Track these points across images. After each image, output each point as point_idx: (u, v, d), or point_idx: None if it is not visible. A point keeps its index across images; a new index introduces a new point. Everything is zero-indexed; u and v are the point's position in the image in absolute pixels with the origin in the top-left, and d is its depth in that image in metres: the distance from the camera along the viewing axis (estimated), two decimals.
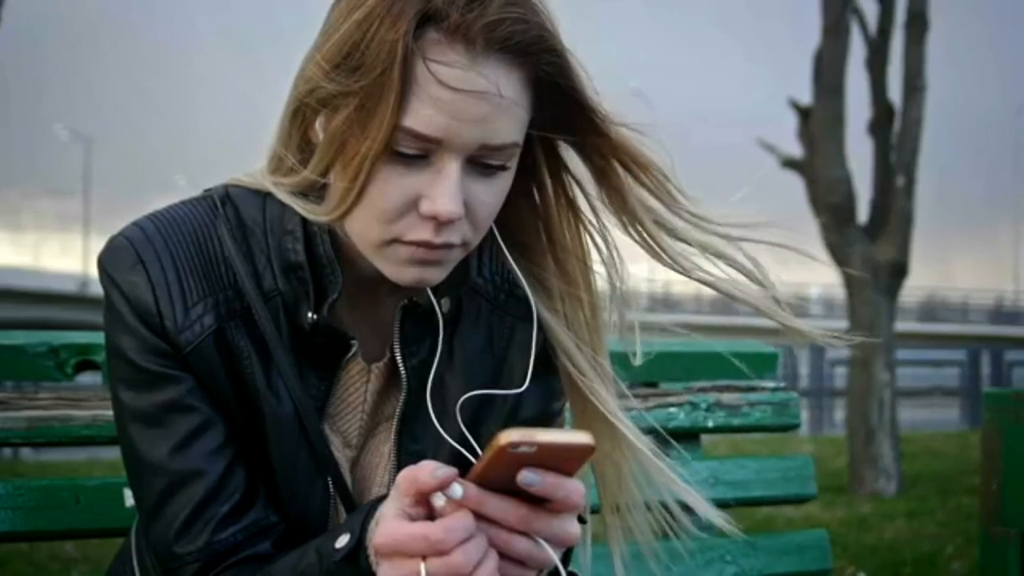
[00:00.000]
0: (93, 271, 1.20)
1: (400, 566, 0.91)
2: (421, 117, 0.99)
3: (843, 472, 8.09)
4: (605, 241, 1.18)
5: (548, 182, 1.16)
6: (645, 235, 1.14)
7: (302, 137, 1.09)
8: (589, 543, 1.26)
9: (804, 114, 8.35)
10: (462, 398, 1.15)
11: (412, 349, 1.15)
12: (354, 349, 1.13)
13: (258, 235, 1.12)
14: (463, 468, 0.92)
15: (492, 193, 1.06)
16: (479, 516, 0.91)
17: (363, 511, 0.98)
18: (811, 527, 2.46)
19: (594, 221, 1.17)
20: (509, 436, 0.85)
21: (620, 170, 1.12)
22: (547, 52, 1.03)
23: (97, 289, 1.25)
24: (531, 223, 1.18)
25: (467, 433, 1.13)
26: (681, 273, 1.16)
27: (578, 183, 1.16)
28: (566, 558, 1.16)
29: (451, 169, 1.02)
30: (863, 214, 8.34)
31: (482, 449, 0.94)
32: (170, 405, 1.08)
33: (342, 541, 0.98)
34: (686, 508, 1.26)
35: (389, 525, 0.92)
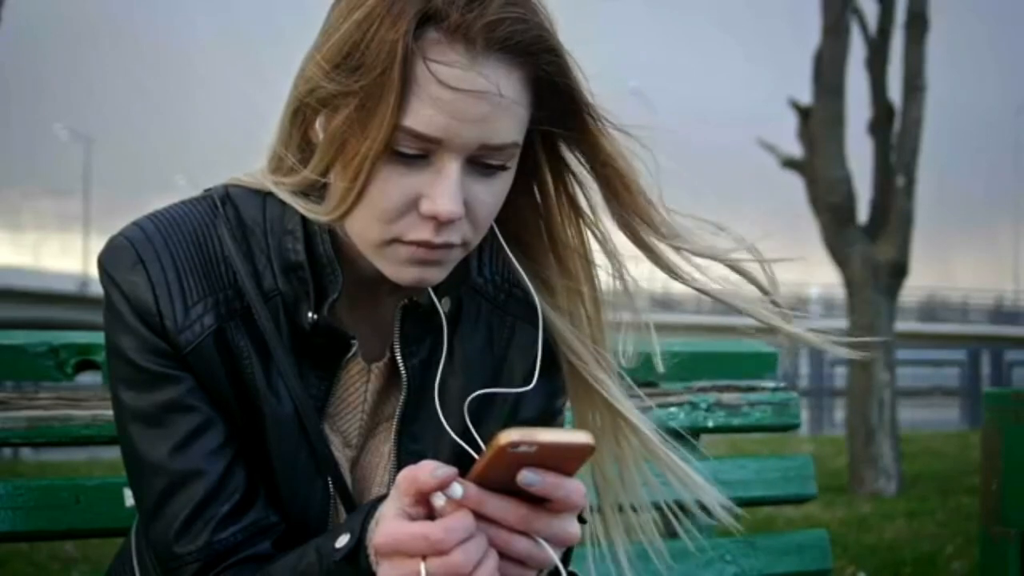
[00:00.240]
0: (93, 271, 1.20)
1: (400, 566, 0.91)
2: (421, 117, 0.99)
3: (843, 472, 8.09)
4: (605, 239, 1.18)
5: (549, 181, 1.16)
6: (636, 239, 1.15)
7: (302, 137, 1.09)
8: (589, 543, 1.26)
9: (804, 114, 8.36)
10: (470, 396, 1.15)
11: (412, 349, 1.15)
12: (354, 349, 1.13)
13: (258, 235, 1.12)
14: (463, 468, 0.92)
15: (492, 193, 1.06)
16: (479, 516, 0.91)
17: (363, 511, 0.98)
18: (811, 527, 2.46)
19: (594, 220, 1.17)
20: (509, 436, 0.86)
21: (610, 174, 1.13)
22: (547, 52, 1.03)
23: (97, 289, 1.25)
24: (532, 222, 1.18)
25: (474, 431, 1.13)
26: (678, 279, 1.16)
27: (579, 182, 1.16)
28: (566, 558, 1.16)
29: (451, 169, 1.02)
30: (863, 214, 8.34)
31: (484, 448, 0.94)
32: (170, 405, 1.08)
33: (342, 541, 0.98)
34: (684, 509, 1.27)
35: (389, 525, 0.92)
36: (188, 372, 1.09)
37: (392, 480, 1.14)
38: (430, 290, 1.13)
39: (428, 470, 0.90)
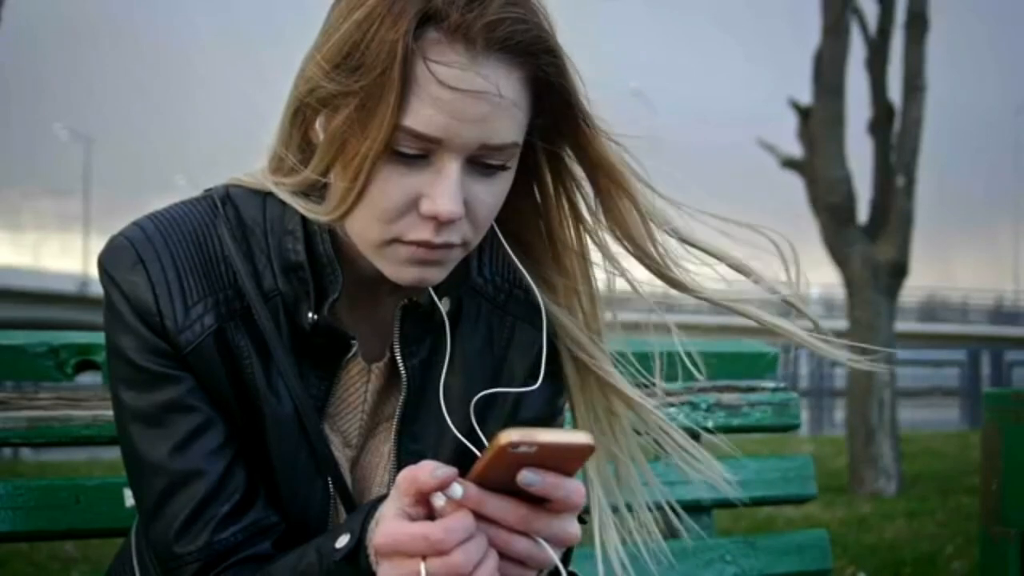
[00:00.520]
0: (93, 271, 1.20)
1: (400, 566, 0.91)
2: (421, 117, 0.99)
3: (843, 472, 8.09)
4: (603, 241, 1.18)
5: (549, 182, 1.16)
6: (629, 245, 1.16)
7: (303, 137, 1.09)
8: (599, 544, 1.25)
9: (804, 114, 8.36)
10: (476, 396, 1.15)
11: (412, 349, 1.15)
12: (354, 349, 1.13)
13: (258, 235, 1.12)
14: (463, 468, 0.92)
15: (492, 193, 1.06)
16: (479, 516, 0.91)
17: (363, 511, 0.98)
18: (811, 527, 2.46)
19: (593, 222, 1.17)
20: (509, 436, 0.85)
21: (602, 178, 1.13)
22: (546, 52, 1.03)
23: (97, 289, 1.25)
24: (532, 222, 1.18)
25: (479, 431, 1.13)
26: (671, 284, 1.17)
27: (578, 183, 1.16)
28: (566, 558, 1.16)
29: (451, 169, 1.02)
30: (863, 214, 8.34)
31: (483, 449, 0.94)
32: (170, 405, 1.08)
33: (342, 541, 0.98)
34: (683, 509, 1.27)
35: (389, 525, 0.92)
36: (188, 372, 1.09)
37: (392, 480, 1.14)
38: (430, 290, 1.13)
39: (428, 470, 0.90)
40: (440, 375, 1.15)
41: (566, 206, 1.17)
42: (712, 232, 1.17)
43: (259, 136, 1.15)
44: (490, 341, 1.20)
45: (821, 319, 1.23)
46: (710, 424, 1.77)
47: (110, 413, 1.17)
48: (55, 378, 1.46)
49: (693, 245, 1.17)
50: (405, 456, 1.15)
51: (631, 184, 1.13)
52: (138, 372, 1.08)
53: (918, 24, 8.30)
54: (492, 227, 1.13)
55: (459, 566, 0.89)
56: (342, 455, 1.15)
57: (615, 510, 1.24)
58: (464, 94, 0.99)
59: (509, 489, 0.90)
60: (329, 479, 1.13)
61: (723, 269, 1.18)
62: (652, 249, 1.15)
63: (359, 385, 1.16)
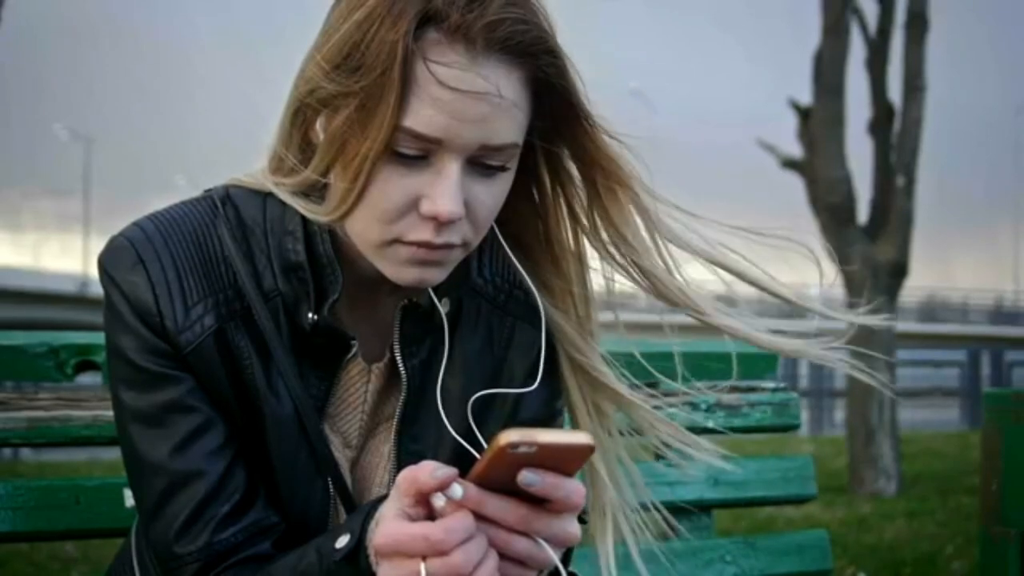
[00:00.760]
0: (93, 271, 1.20)
1: (400, 566, 0.91)
2: (421, 117, 0.99)
3: (843, 472, 8.10)
4: (601, 242, 1.18)
5: (547, 183, 1.16)
6: (616, 253, 1.16)
7: (303, 137, 1.09)
8: (611, 545, 1.25)
9: (804, 114, 8.36)
10: (474, 397, 1.15)
11: (412, 349, 1.15)
12: (354, 349, 1.13)
13: (258, 235, 1.12)
14: (463, 468, 0.92)
15: (492, 194, 1.06)
16: (479, 516, 0.91)
17: (363, 511, 0.98)
18: (811, 527, 2.46)
19: (591, 223, 1.17)
20: (509, 436, 0.85)
21: (600, 180, 1.13)
22: (546, 53, 1.03)
23: (97, 289, 1.25)
24: (531, 223, 1.18)
25: (477, 431, 1.13)
26: (649, 292, 1.17)
27: (576, 185, 1.16)
28: (566, 558, 1.16)
29: (451, 169, 1.02)
30: (863, 214, 8.34)
31: (483, 449, 0.94)
32: (170, 405, 1.08)
33: (342, 541, 0.98)
34: (682, 510, 1.27)
35: (389, 525, 0.92)
36: (188, 372, 1.09)
37: (392, 480, 1.14)
38: (430, 290, 1.13)
39: (428, 471, 0.90)
40: (440, 376, 1.15)
41: (564, 207, 1.17)
42: (714, 235, 1.17)
43: (259, 136, 1.15)
44: (490, 341, 1.20)
45: (821, 320, 1.23)
46: (710, 424, 1.77)
47: (110, 413, 1.17)
48: (55, 378, 1.46)
49: (694, 253, 1.16)
50: (405, 456, 1.15)
51: (631, 184, 1.13)
52: (138, 372, 1.08)
53: (918, 24, 8.30)
54: (492, 228, 1.13)
55: (459, 566, 0.89)
56: (342, 455, 1.15)
57: (605, 512, 1.24)
58: (464, 94, 0.99)
59: (509, 489, 0.90)
60: (329, 479, 1.13)
61: (725, 274, 1.18)
62: (651, 247, 1.15)
63: (359, 385, 1.16)
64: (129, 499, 1.38)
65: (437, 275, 1.08)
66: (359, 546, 0.96)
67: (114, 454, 1.19)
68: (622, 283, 1.19)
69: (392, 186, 1.02)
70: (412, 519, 0.92)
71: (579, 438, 0.88)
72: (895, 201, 8.15)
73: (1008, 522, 1.85)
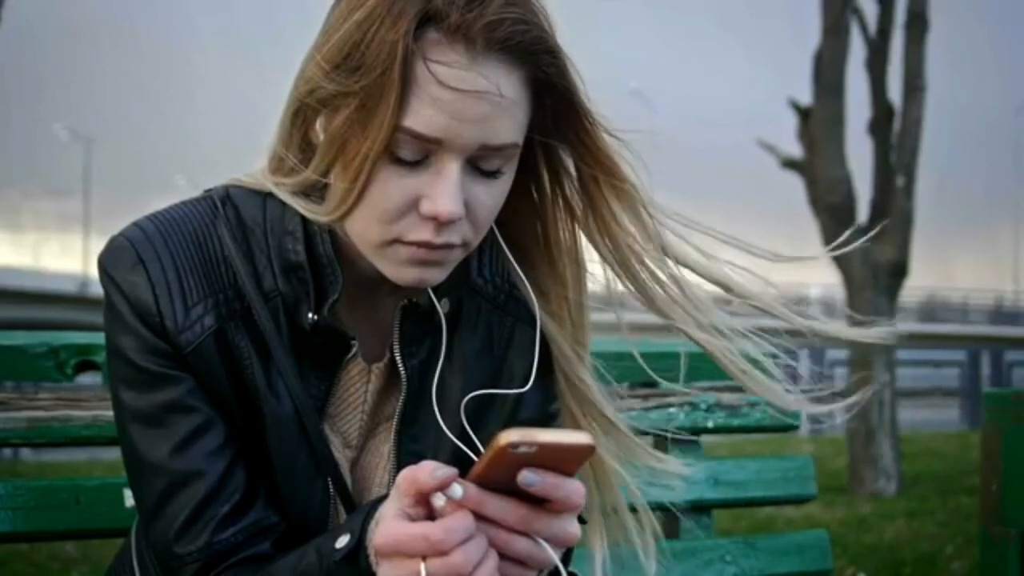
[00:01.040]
0: (93, 271, 1.20)
1: (400, 566, 0.91)
2: (421, 117, 0.99)
3: (843, 472, 8.09)
4: (601, 243, 1.18)
5: (546, 183, 1.16)
6: (613, 255, 1.15)
7: (303, 137, 1.09)
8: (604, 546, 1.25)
9: (804, 114, 8.35)
10: (467, 397, 1.15)
11: (412, 349, 1.15)
12: (354, 349, 1.13)
13: (258, 235, 1.12)
14: (463, 468, 0.92)
15: (492, 194, 1.06)
16: (479, 516, 0.91)
17: (363, 511, 0.98)
18: (811, 527, 2.46)
19: (590, 223, 1.17)
20: (509, 436, 0.85)
21: (602, 178, 1.13)
22: (546, 53, 1.03)
23: (97, 289, 1.25)
24: (529, 224, 1.18)
25: (471, 432, 1.13)
26: (639, 298, 1.17)
27: (575, 185, 1.16)
28: (566, 558, 1.16)
29: (451, 169, 1.02)
30: (863, 214, 8.33)
31: (483, 449, 0.94)
32: (170, 405, 1.08)
33: (342, 541, 0.98)
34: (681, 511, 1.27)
35: (389, 525, 0.92)
36: (188, 372, 1.09)
37: (392, 480, 1.14)
38: (429, 291, 1.13)
39: (428, 470, 0.90)
40: (440, 375, 1.15)
41: (562, 207, 1.17)
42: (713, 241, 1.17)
43: (259, 136, 1.15)
44: (490, 342, 1.20)
45: (821, 320, 1.23)
46: (710, 424, 1.77)
47: (110, 413, 1.17)
48: (55, 378, 1.46)
49: (687, 266, 1.16)
50: (405, 456, 1.15)
51: (630, 182, 1.12)
52: (138, 372, 1.08)
53: (918, 24, 8.30)
54: (492, 228, 1.13)
55: (459, 566, 0.89)
56: (342, 455, 1.15)
57: (615, 511, 1.24)
58: (464, 94, 0.99)
59: (509, 489, 0.90)
60: (329, 479, 1.13)
61: (721, 277, 1.18)
62: (648, 251, 1.15)
63: (359, 385, 1.16)
64: (129, 499, 1.38)
65: (437, 275, 1.08)
66: (359, 546, 0.96)
67: (114, 454, 1.19)
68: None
69: (392, 186, 1.02)
70: (412, 519, 0.92)
71: (579, 438, 0.88)
72: (895, 201, 8.15)
73: (1008, 522, 1.85)
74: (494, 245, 1.18)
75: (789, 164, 8.57)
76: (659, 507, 1.35)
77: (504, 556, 0.92)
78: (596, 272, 1.20)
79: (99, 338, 1.37)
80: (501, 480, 0.89)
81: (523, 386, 1.18)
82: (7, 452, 8.90)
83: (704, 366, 1.24)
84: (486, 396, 1.17)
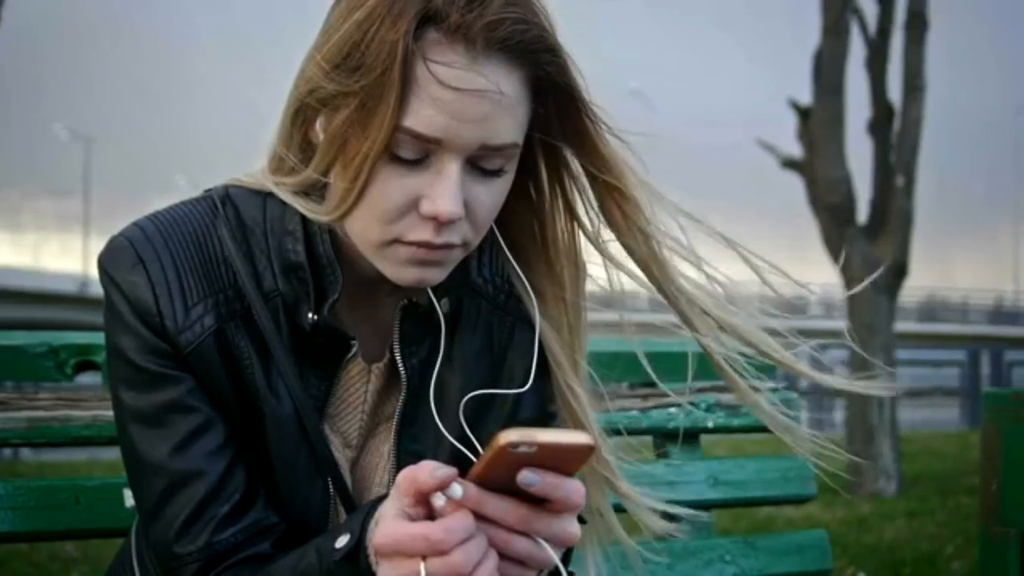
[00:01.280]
0: (93, 271, 1.20)
1: (400, 566, 0.91)
2: (421, 117, 0.99)
3: (843, 472, 8.09)
4: (602, 243, 1.18)
5: (545, 183, 1.16)
6: (633, 246, 1.15)
7: (303, 137, 1.09)
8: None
9: (804, 114, 8.36)
10: (466, 397, 1.15)
11: (412, 349, 1.15)
12: (354, 349, 1.13)
13: (258, 235, 1.12)
14: (463, 468, 0.92)
15: (492, 194, 1.06)
16: (479, 516, 0.91)
17: (363, 511, 0.98)
18: (811, 527, 2.46)
19: (591, 223, 1.17)
20: (509, 436, 0.85)
21: (606, 176, 1.13)
22: (547, 52, 1.03)
23: (97, 289, 1.25)
24: (527, 225, 1.18)
25: (469, 432, 1.13)
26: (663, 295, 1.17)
27: (577, 185, 1.16)
28: (566, 558, 1.16)
29: (451, 169, 1.02)
30: (863, 214, 8.34)
31: (482, 449, 0.94)
32: (170, 405, 1.08)
33: (342, 541, 0.98)
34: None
35: (389, 525, 0.92)
36: (188, 372, 1.09)
37: (392, 480, 1.14)
38: (429, 290, 1.13)
39: (428, 470, 0.90)
40: (440, 375, 1.15)
41: (561, 208, 1.17)
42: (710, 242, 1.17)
43: (259, 136, 1.15)
44: (490, 342, 1.20)
45: (820, 319, 1.23)
46: (710, 424, 1.77)
47: (110, 413, 1.17)
48: (55, 378, 1.46)
49: (697, 260, 1.16)
50: (404, 456, 1.15)
51: (635, 181, 1.12)
52: (138, 372, 1.08)
53: (918, 24, 8.31)
54: (492, 228, 1.13)
55: (459, 566, 0.89)
56: (342, 455, 1.15)
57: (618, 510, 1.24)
58: (464, 94, 0.99)
59: (509, 489, 0.90)
60: (329, 479, 1.13)
61: (729, 272, 1.18)
62: (655, 249, 1.15)
63: (359, 385, 1.16)
64: (129, 499, 1.38)
65: (437, 275, 1.08)
66: (359, 546, 0.96)
67: (114, 454, 1.19)
68: (626, 282, 1.19)
69: (392, 186, 1.02)
70: (412, 519, 0.92)
71: (579, 438, 0.88)
72: (895, 201, 8.16)
73: (1008, 522, 1.85)
74: (494, 245, 1.18)
75: (789, 164, 8.58)
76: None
77: (504, 556, 0.92)
78: (596, 274, 1.19)
79: (99, 338, 1.37)
80: (501, 480, 0.89)
81: (523, 386, 1.18)
82: (7, 452, 8.90)
83: (704, 366, 1.24)
84: (486, 396, 1.17)
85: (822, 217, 8.15)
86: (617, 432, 1.27)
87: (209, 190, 1.16)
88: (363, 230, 1.06)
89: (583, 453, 0.89)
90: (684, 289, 1.16)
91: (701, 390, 1.77)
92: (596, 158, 1.11)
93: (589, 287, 1.21)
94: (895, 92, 8.47)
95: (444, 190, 1.01)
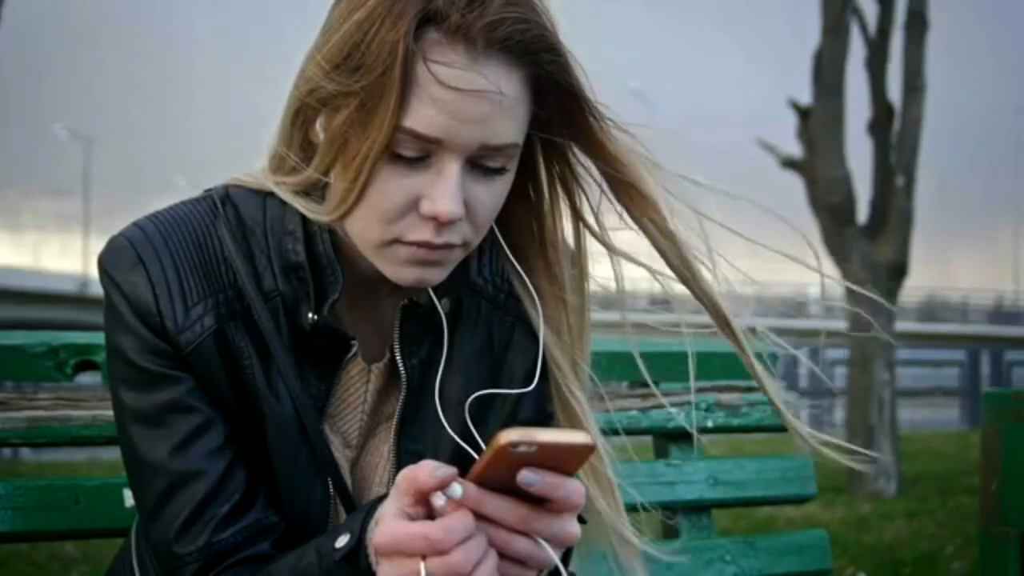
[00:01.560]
0: (93, 271, 1.20)
1: (400, 566, 0.91)
2: (421, 117, 0.99)
3: (843, 472, 8.09)
4: (603, 244, 1.18)
5: (545, 184, 1.16)
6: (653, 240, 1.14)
7: (303, 137, 1.09)
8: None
9: (804, 114, 8.35)
10: (471, 397, 1.15)
11: (412, 349, 1.15)
12: (354, 349, 1.13)
13: (258, 235, 1.12)
14: (463, 468, 0.92)
15: (492, 194, 1.06)
16: (479, 516, 0.91)
17: (363, 511, 0.98)
18: (811, 527, 2.46)
19: (594, 223, 1.17)
20: (509, 436, 0.85)
21: (616, 174, 1.12)
22: (547, 52, 1.03)
23: (97, 289, 1.25)
24: (526, 224, 1.18)
25: (474, 431, 1.13)
26: (681, 279, 1.16)
27: (579, 184, 1.16)
28: (566, 558, 1.16)
29: (451, 170, 1.02)
30: (863, 214, 8.34)
31: (483, 448, 0.94)
32: (170, 405, 1.08)
33: (342, 541, 0.98)
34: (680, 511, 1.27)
35: (389, 525, 0.92)
36: (188, 372, 1.09)
37: (392, 480, 1.14)
38: (430, 290, 1.13)
39: (428, 470, 0.90)
40: (439, 375, 1.15)
41: (563, 207, 1.17)
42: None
43: (259, 136, 1.15)
44: (490, 341, 1.20)
45: (821, 320, 1.23)
46: (710, 424, 1.77)
47: (110, 413, 1.17)
48: (55, 378, 1.46)
49: (711, 246, 1.15)
50: (404, 456, 1.15)
51: (646, 172, 1.12)
52: (138, 372, 1.09)
53: (918, 24, 8.30)
54: (492, 228, 1.13)
55: (459, 566, 0.89)
56: (342, 455, 1.15)
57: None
58: (465, 94, 0.99)
59: (509, 489, 0.90)
60: (329, 479, 1.13)
61: (748, 265, 1.18)
62: (675, 239, 1.14)
63: (359, 385, 1.16)
64: (129, 499, 1.38)
65: (437, 275, 1.08)
66: (359, 546, 0.96)
67: (114, 454, 1.19)
68: (627, 282, 1.19)
69: (392, 186, 1.02)
70: (412, 518, 0.92)
71: (579, 438, 0.88)
72: (895, 201, 8.15)
73: (1008, 522, 1.85)
74: (494, 245, 1.18)
75: (789, 164, 8.57)
76: (660, 506, 1.35)
77: (504, 556, 0.92)
78: (597, 275, 1.19)
79: (99, 338, 1.37)
80: (501, 480, 0.89)
81: (523, 386, 1.18)
82: (7, 452, 8.90)
83: (704, 366, 1.24)
84: (486, 396, 1.17)
85: (822, 217, 8.15)
86: (616, 432, 1.27)
87: (209, 190, 1.16)
88: (363, 230, 1.06)
89: (583, 453, 0.89)
90: (709, 288, 1.15)
91: (701, 390, 1.77)
92: (604, 155, 1.11)
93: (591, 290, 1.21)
94: (895, 92, 8.47)
95: (444, 190, 1.01)
